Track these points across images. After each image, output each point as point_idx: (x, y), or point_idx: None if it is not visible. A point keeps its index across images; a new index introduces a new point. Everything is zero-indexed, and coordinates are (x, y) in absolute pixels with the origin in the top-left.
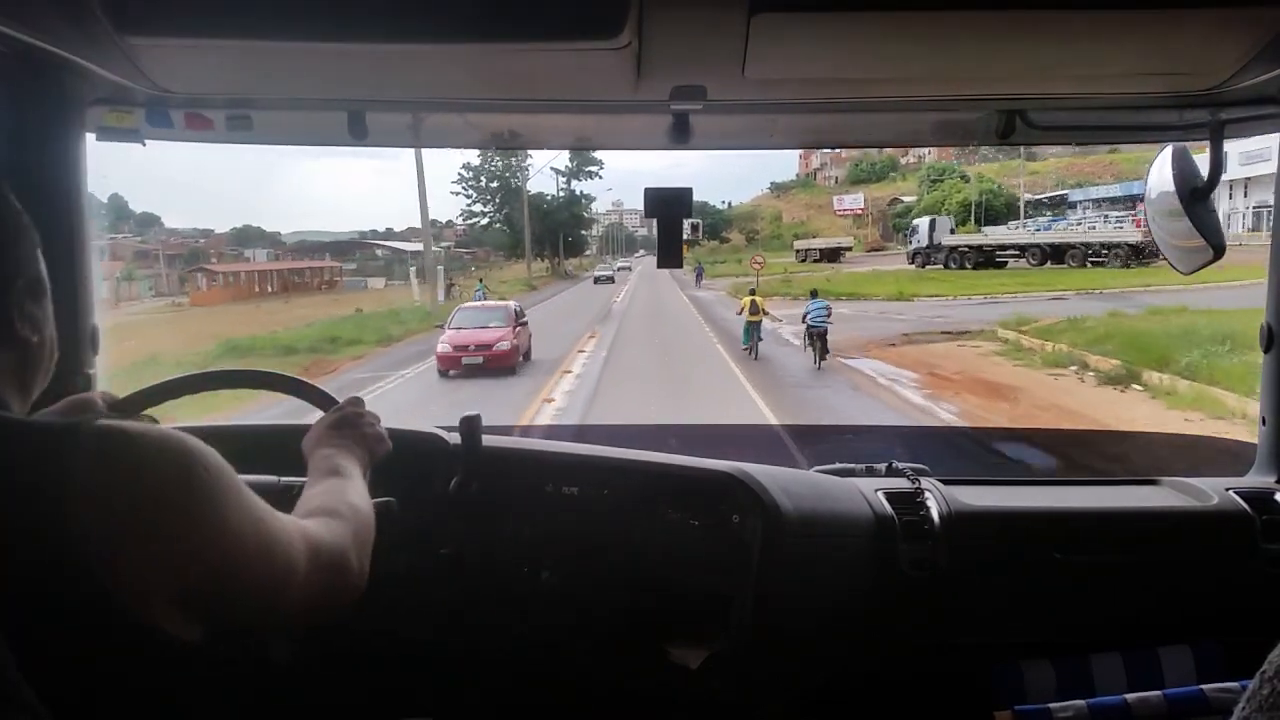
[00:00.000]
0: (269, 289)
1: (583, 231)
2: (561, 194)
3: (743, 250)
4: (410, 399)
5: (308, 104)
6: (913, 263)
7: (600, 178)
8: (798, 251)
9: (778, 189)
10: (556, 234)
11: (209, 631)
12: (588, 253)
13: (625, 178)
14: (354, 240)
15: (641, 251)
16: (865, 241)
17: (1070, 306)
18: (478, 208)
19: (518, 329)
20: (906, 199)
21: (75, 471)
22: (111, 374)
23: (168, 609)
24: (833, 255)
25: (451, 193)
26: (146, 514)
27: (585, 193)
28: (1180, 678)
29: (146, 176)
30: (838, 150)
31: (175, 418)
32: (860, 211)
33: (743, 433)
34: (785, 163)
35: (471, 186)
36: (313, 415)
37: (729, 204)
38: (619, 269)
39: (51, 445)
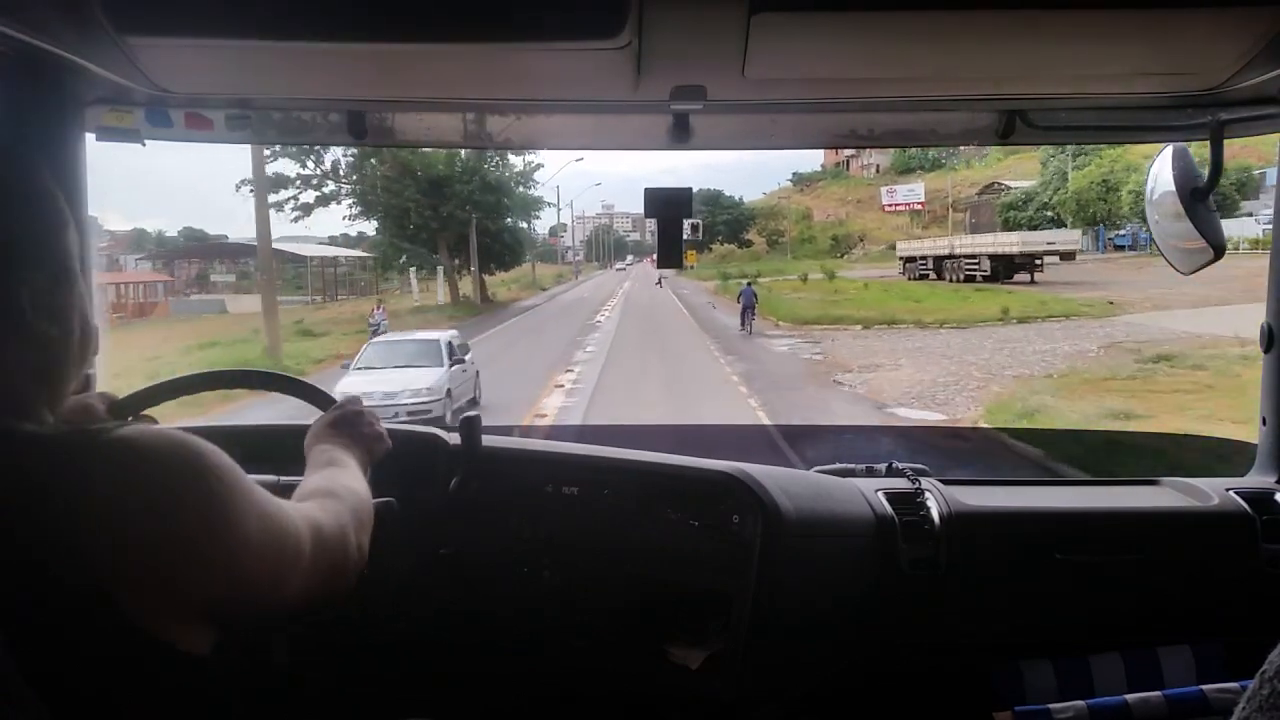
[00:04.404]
0: None
1: (519, 222)
2: (469, 154)
3: (764, 256)
4: None
5: (307, 104)
6: None
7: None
8: (906, 260)
9: (802, 182)
10: (464, 226)
11: (216, 639)
12: (574, 256)
13: (619, 183)
14: (241, 245)
15: (630, 258)
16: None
17: None
18: (284, 166)
19: None
20: (1015, 185)
21: (89, 486)
22: None
23: (180, 622)
24: (1019, 267)
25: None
26: (163, 530)
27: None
28: (1180, 678)
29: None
30: None
31: (175, 417)
32: (921, 206)
33: (743, 433)
34: (808, 152)
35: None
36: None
37: (740, 199)
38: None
39: (65, 458)
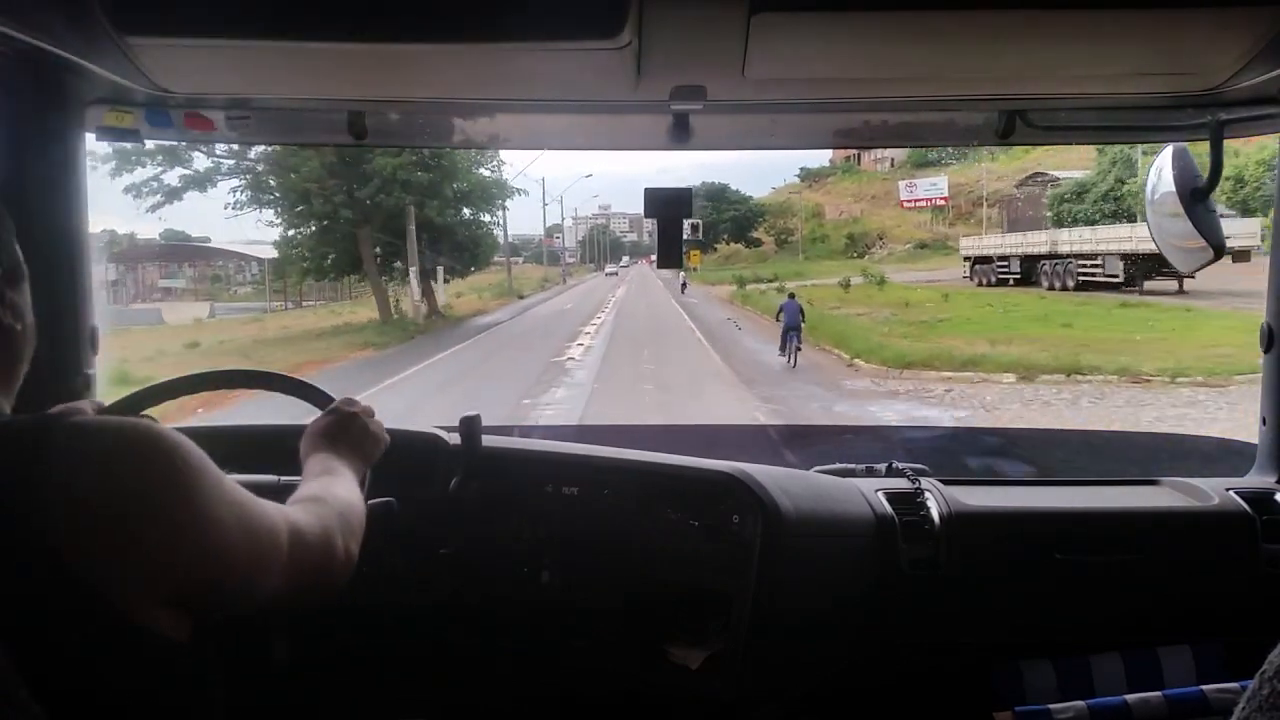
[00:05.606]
0: None
1: (480, 214)
2: None
3: (773, 256)
4: None
5: (308, 104)
6: None
7: None
8: (976, 261)
9: (810, 177)
10: (398, 218)
11: (196, 626)
12: (570, 258)
13: (615, 182)
14: (214, 249)
15: (626, 259)
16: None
17: None
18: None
19: None
20: (1065, 175)
21: (48, 470)
22: None
23: (154, 606)
24: (1170, 271)
25: None
26: (123, 511)
27: None
28: (1180, 678)
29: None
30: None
31: (174, 417)
32: (944, 201)
33: (743, 433)
34: None
35: None
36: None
37: (748, 196)
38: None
39: (23, 444)
